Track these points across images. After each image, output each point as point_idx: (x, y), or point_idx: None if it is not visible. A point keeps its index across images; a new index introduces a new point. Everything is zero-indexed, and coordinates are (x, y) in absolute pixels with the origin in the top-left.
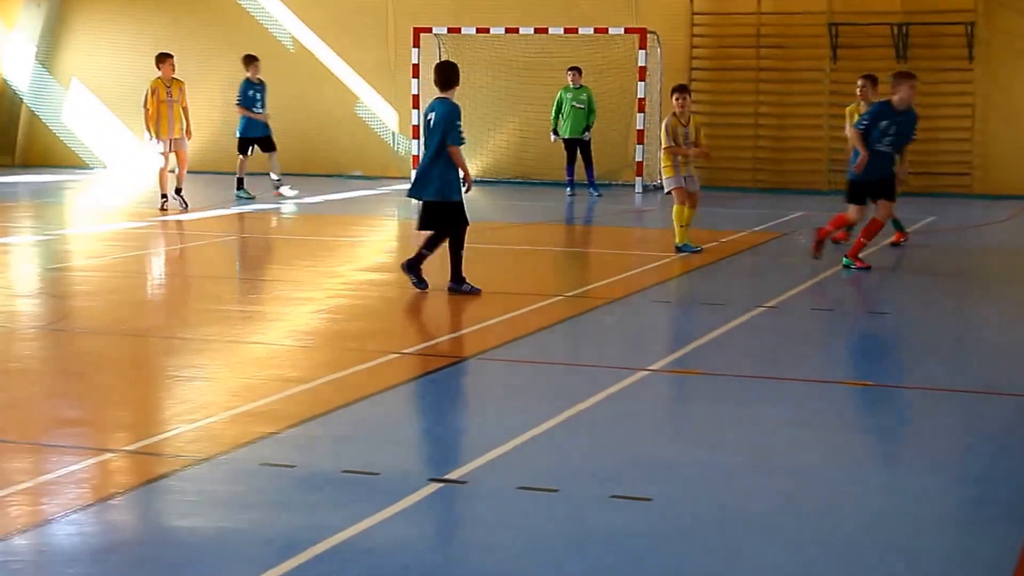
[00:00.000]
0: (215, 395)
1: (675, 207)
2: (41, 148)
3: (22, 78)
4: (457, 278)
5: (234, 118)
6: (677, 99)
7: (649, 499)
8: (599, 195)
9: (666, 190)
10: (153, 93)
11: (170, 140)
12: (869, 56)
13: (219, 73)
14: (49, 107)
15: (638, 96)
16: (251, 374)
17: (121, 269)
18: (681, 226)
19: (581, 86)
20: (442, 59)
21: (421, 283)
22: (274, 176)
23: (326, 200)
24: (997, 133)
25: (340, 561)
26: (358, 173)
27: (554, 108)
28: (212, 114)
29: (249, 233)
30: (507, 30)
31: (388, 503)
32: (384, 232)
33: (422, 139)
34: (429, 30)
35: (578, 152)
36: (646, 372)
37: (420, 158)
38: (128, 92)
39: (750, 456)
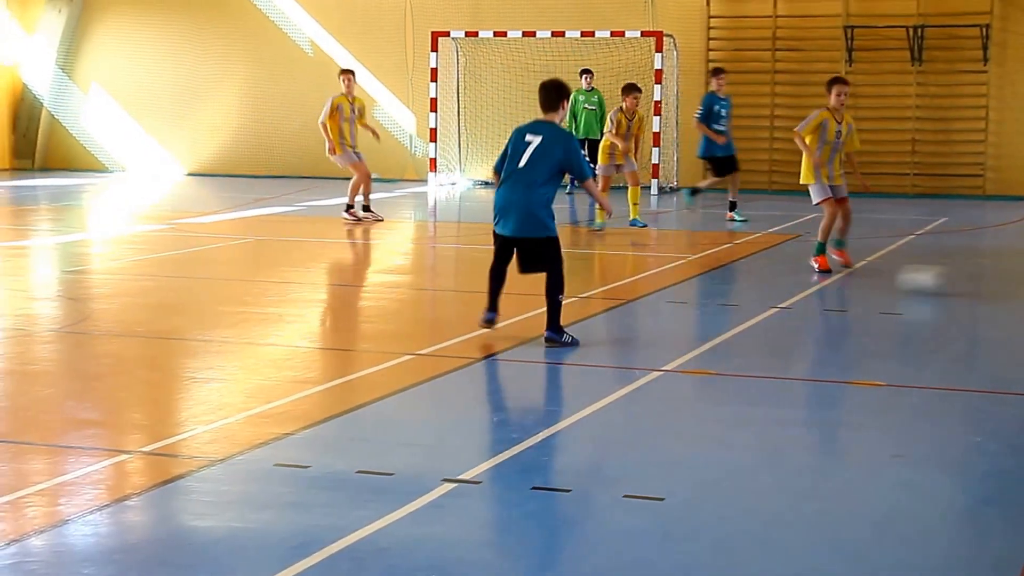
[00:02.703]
0: (231, 396)
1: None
2: (61, 152)
3: (43, 83)
4: (555, 325)
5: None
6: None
7: (661, 499)
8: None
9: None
10: (337, 110)
11: (356, 153)
12: (884, 58)
13: (237, 77)
14: (69, 111)
15: (654, 99)
16: (267, 376)
17: (138, 272)
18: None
19: (592, 88)
20: (460, 63)
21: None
22: (730, 198)
23: (344, 202)
24: (1011, 135)
25: (355, 560)
26: (376, 176)
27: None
28: (229, 119)
29: (265, 236)
30: (524, 33)
31: (402, 503)
32: (400, 234)
33: (521, 162)
34: (447, 34)
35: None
36: (659, 372)
37: (510, 188)
38: (147, 96)
39: (762, 455)
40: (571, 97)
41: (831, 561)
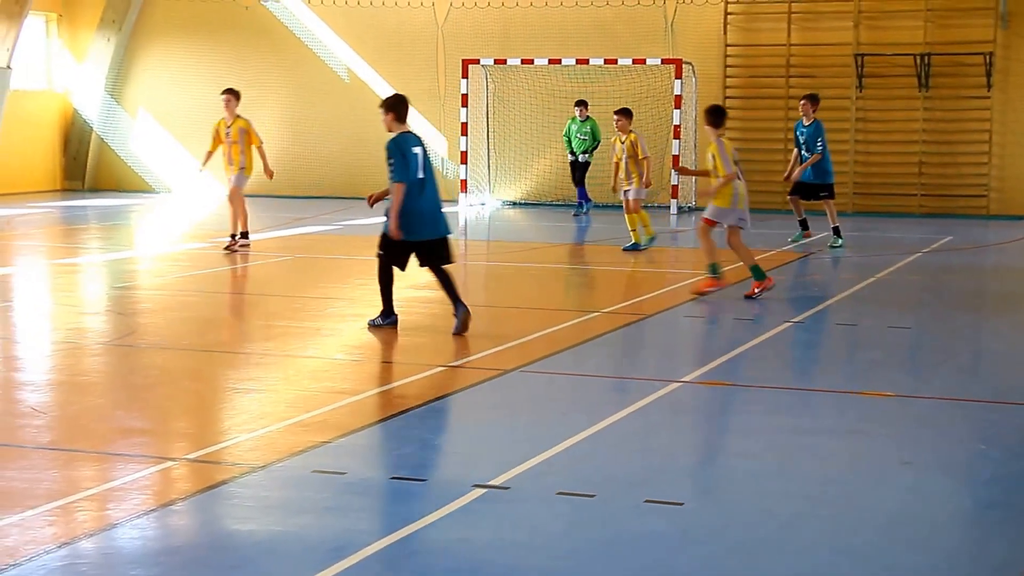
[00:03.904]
0: (271, 406)
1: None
2: (110, 173)
3: (92, 108)
4: (459, 297)
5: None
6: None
7: (681, 503)
8: (584, 213)
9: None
10: (216, 134)
11: (233, 176)
12: (893, 85)
13: (277, 102)
14: (117, 135)
15: (674, 123)
16: (305, 386)
17: (183, 288)
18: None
19: (587, 118)
20: (489, 89)
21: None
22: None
23: (378, 222)
24: (1013, 157)
25: (389, 563)
26: None
27: (564, 136)
28: (269, 142)
29: (303, 253)
30: (550, 61)
31: (435, 508)
32: None
33: (420, 172)
34: (477, 61)
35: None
36: (679, 384)
37: (425, 196)
38: (191, 120)
39: (776, 462)
40: (567, 125)
41: (841, 563)
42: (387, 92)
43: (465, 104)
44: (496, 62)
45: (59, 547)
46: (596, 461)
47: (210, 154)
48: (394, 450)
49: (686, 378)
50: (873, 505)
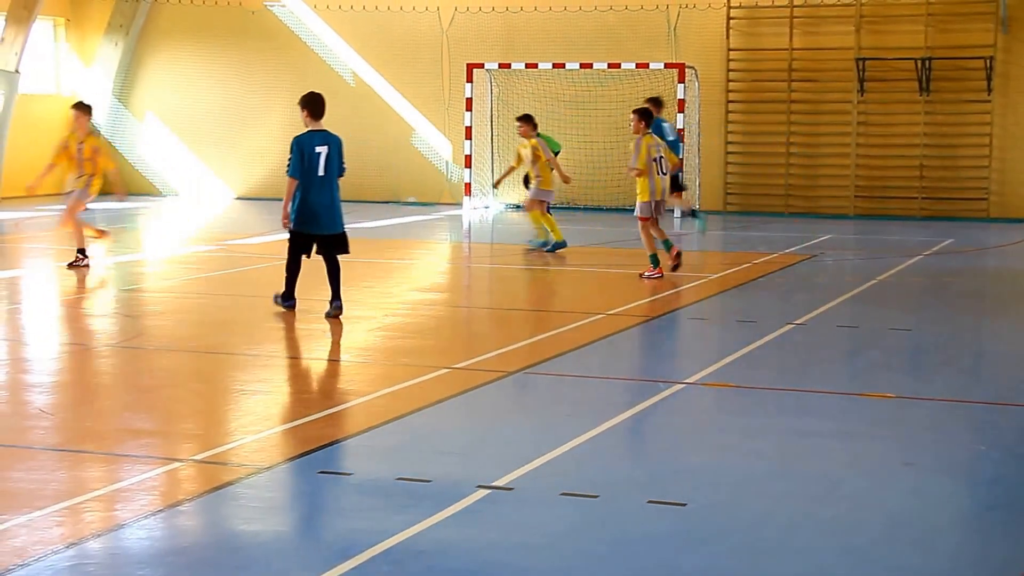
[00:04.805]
0: (277, 407)
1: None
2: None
3: (100, 112)
4: (336, 296)
5: None
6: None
7: (684, 504)
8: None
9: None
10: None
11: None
12: (894, 89)
13: (283, 106)
14: (125, 139)
15: (677, 127)
16: (311, 388)
17: (190, 290)
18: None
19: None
20: (494, 93)
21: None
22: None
23: (384, 225)
24: (1014, 160)
25: (395, 563)
26: (413, 200)
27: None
28: (276, 145)
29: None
30: (554, 65)
31: (439, 508)
32: (437, 255)
33: (320, 170)
34: (481, 66)
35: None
36: (682, 385)
37: (318, 193)
38: (198, 125)
39: (779, 463)
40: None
41: (843, 563)
42: (393, 96)
43: (469, 108)
44: (500, 66)
45: (67, 547)
46: (600, 462)
47: (52, 167)
48: (399, 451)
49: (689, 380)
50: (875, 506)
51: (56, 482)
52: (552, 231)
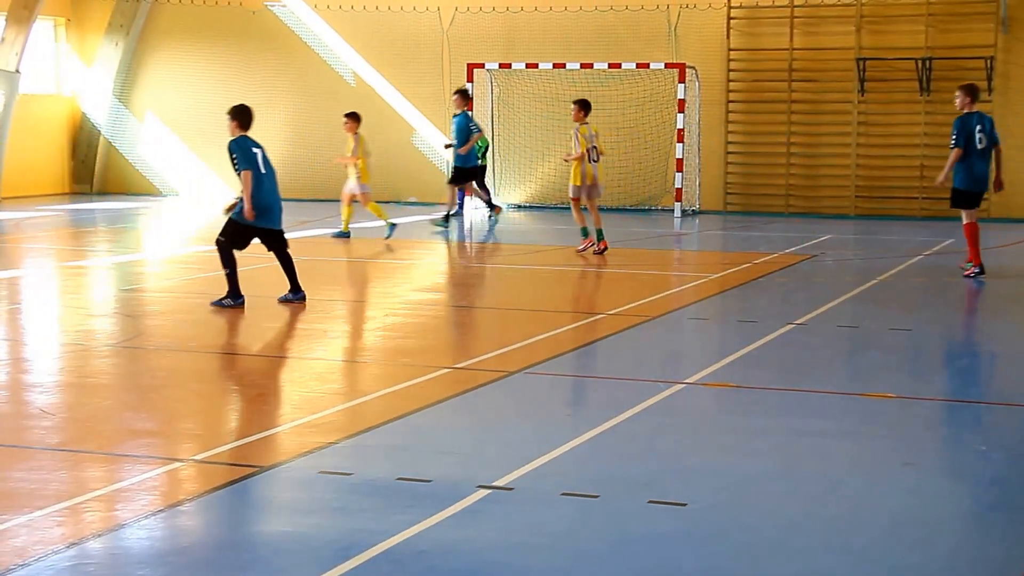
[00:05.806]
0: (278, 408)
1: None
2: (117, 177)
3: (100, 112)
4: (297, 285)
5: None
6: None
7: (684, 504)
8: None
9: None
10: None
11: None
12: (894, 89)
13: (283, 106)
14: (125, 138)
15: (677, 127)
16: (311, 388)
17: (190, 290)
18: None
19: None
20: (494, 93)
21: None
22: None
23: (384, 225)
24: (1014, 161)
25: (395, 563)
26: (414, 199)
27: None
28: (276, 145)
29: (310, 256)
30: (554, 65)
31: (439, 508)
32: (437, 255)
33: (263, 168)
34: (482, 65)
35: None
36: (682, 385)
37: (269, 190)
38: (198, 124)
39: (779, 463)
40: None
41: (844, 563)
42: (393, 96)
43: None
44: (501, 66)
45: (67, 547)
46: (600, 462)
47: None
48: (400, 451)
49: (690, 379)
50: (875, 506)
51: (56, 482)
52: (379, 215)
